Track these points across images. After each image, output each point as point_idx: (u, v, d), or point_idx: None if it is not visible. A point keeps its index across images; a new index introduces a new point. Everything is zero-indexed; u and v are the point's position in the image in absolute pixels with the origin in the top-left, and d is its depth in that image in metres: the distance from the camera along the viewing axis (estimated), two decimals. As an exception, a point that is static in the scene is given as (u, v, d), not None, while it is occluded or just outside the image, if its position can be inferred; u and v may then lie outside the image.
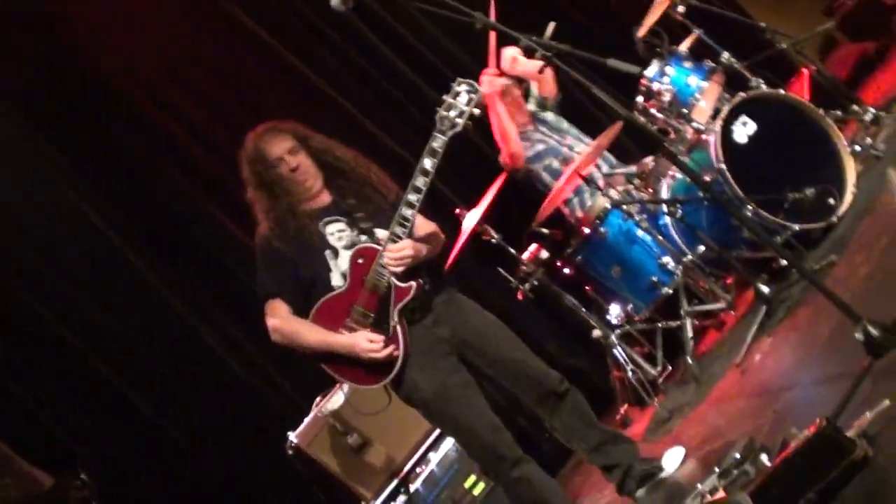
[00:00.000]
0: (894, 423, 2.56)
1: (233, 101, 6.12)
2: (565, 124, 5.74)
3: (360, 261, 3.83)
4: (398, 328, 3.80)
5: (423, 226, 3.96)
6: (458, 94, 3.71)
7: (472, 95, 3.71)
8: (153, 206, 5.90)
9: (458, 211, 5.16)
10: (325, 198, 4.05)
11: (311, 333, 3.85)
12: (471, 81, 3.73)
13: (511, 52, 5.50)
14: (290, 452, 5.09)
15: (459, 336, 3.91)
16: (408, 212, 3.74)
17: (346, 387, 5.06)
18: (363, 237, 3.92)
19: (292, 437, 5.09)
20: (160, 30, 6.13)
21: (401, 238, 3.76)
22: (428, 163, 3.70)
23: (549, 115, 5.75)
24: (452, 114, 3.69)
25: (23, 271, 5.58)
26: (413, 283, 3.81)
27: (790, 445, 2.60)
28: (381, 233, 3.91)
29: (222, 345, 5.78)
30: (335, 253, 3.91)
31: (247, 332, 5.62)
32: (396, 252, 3.77)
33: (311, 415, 5.14)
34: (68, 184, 5.69)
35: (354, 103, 6.27)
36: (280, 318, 3.89)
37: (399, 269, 3.79)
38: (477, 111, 3.70)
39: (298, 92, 6.27)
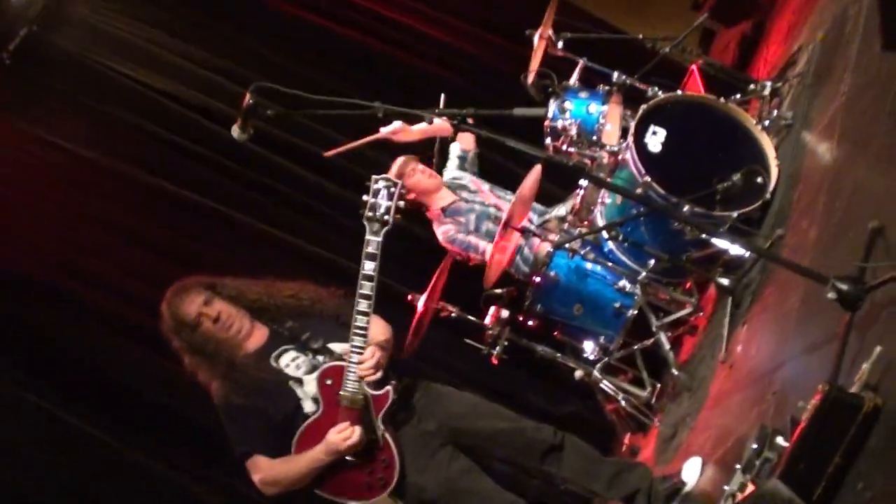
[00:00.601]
0: (893, 365, 2.58)
1: (161, 260, 6.05)
2: (485, 184, 5.73)
3: (328, 382, 3.76)
4: (387, 435, 3.76)
5: (376, 327, 3.88)
6: (377, 191, 3.64)
7: (392, 189, 3.64)
8: (116, 385, 5.79)
9: (409, 297, 5.13)
10: (262, 333, 3.98)
11: (296, 463, 3.76)
12: (385, 175, 3.67)
13: (393, 126, 5.35)
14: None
15: (447, 425, 3.89)
16: (362, 320, 3.67)
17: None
18: (321, 357, 3.87)
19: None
20: (59, 212, 6.12)
21: (363, 347, 3.71)
22: (369, 267, 3.63)
23: (466, 177, 5.73)
24: (379, 213, 3.62)
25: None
26: (388, 388, 3.78)
27: (801, 419, 2.61)
28: (336, 346, 3.87)
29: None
30: (299, 382, 3.84)
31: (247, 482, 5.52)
32: (368, 362, 3.70)
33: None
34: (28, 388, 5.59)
35: (283, 229, 6.26)
36: (263, 472, 3.79)
37: (375, 377, 3.73)
38: (402, 203, 3.67)
39: (218, 232, 6.25)
